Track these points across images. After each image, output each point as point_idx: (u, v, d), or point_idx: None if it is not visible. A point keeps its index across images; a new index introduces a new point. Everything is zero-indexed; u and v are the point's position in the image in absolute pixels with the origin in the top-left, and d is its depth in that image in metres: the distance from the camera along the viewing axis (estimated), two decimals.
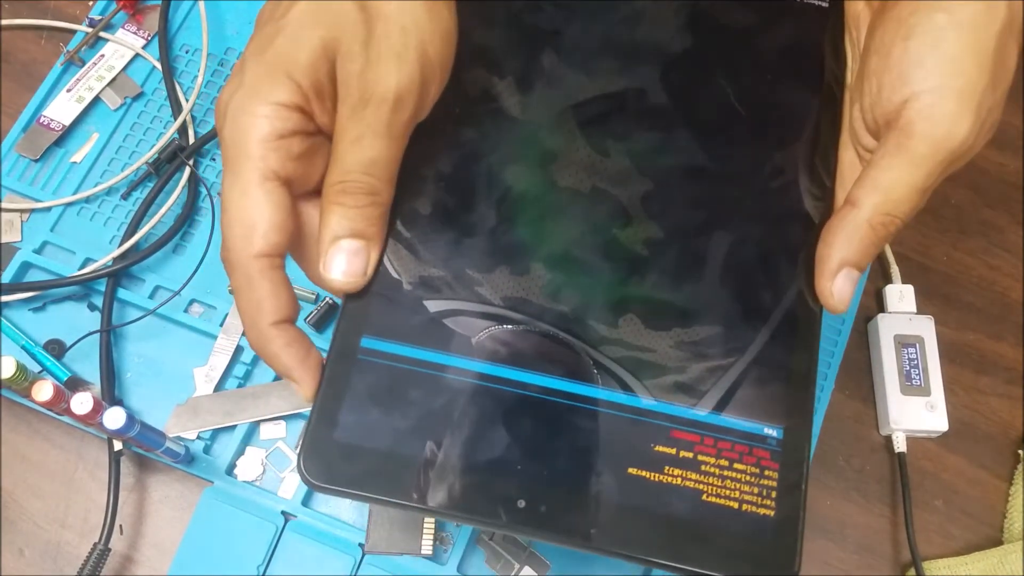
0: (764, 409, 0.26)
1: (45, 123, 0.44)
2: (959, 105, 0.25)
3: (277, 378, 0.40)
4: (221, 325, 0.40)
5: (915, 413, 0.39)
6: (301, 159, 0.26)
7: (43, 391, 0.32)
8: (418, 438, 0.25)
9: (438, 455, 0.25)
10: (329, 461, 0.25)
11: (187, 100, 0.44)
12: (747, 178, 0.29)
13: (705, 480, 0.25)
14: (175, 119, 0.44)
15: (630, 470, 0.25)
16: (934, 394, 0.40)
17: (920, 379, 0.40)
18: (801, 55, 0.30)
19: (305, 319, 0.41)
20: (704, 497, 0.25)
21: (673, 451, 0.25)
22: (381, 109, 0.25)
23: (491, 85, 0.29)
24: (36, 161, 0.44)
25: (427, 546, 0.37)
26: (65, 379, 0.39)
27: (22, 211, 0.43)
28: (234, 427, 0.39)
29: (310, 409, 0.26)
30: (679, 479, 0.25)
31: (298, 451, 0.26)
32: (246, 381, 0.40)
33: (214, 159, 0.44)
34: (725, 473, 0.25)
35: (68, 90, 0.45)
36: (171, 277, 0.42)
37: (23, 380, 0.34)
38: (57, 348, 0.40)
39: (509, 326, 0.27)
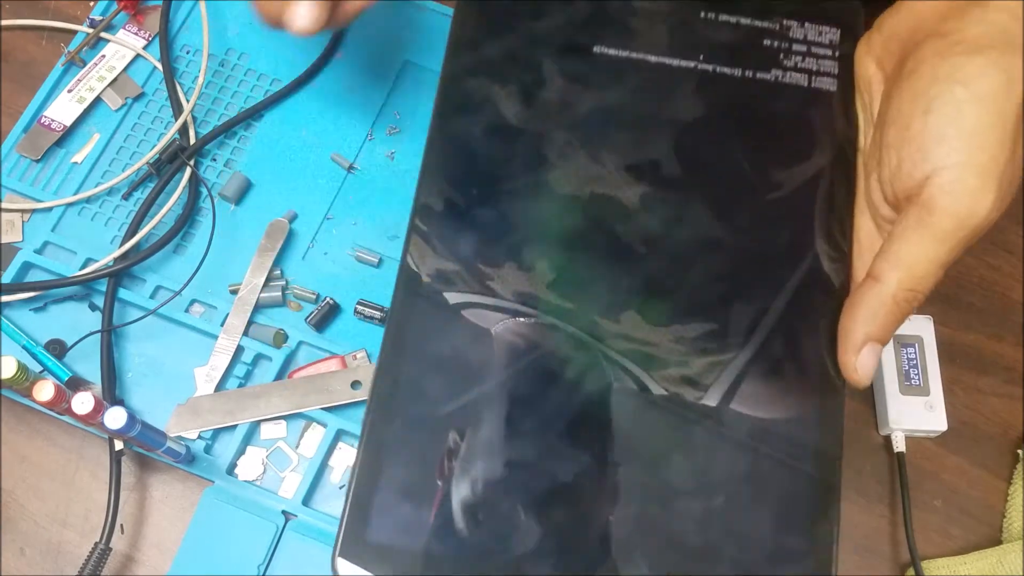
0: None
1: (46, 123, 0.44)
2: (982, 180, 0.25)
3: (278, 378, 0.40)
4: (222, 325, 0.40)
5: (914, 413, 0.39)
6: None
7: (44, 391, 0.32)
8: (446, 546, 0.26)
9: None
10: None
11: (188, 101, 0.44)
12: (762, 244, 0.29)
13: None
14: (176, 120, 0.44)
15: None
16: (933, 394, 0.40)
17: (919, 379, 0.40)
18: (813, 128, 0.31)
19: (306, 319, 0.41)
20: None
21: None
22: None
23: (503, 105, 0.31)
24: (37, 161, 0.44)
25: None
26: (66, 379, 0.39)
27: (23, 211, 0.43)
28: (235, 427, 0.39)
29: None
30: None
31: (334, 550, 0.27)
32: (247, 381, 0.40)
33: (214, 159, 0.44)
34: None
35: (69, 91, 0.45)
36: (172, 277, 0.42)
37: (24, 380, 0.34)
38: (58, 348, 0.40)
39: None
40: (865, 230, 0.29)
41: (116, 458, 0.37)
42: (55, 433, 0.40)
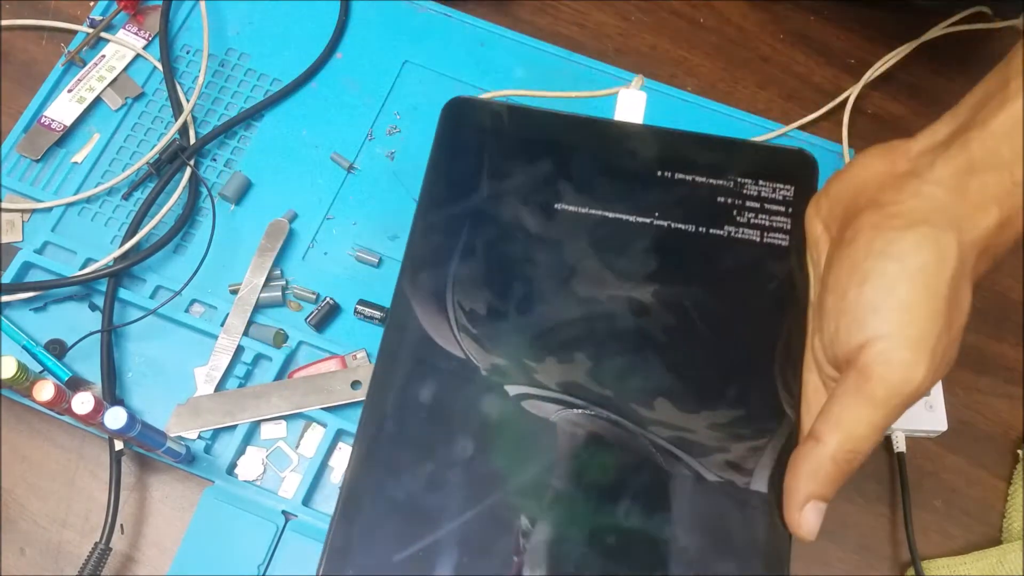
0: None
1: (46, 123, 0.44)
2: (914, 353, 0.26)
3: (278, 378, 0.40)
4: (222, 325, 0.40)
5: (914, 413, 0.39)
6: None
7: (44, 391, 0.32)
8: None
9: None
10: None
11: (188, 101, 0.44)
12: (714, 383, 0.31)
13: None
14: (176, 120, 0.44)
15: None
16: (933, 394, 0.40)
17: None
18: (765, 284, 0.32)
19: (306, 319, 0.41)
20: None
21: None
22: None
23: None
24: (37, 161, 0.44)
25: None
26: (66, 379, 0.39)
27: (23, 211, 0.43)
28: (235, 427, 0.39)
29: None
30: None
31: None
32: (247, 381, 0.40)
33: (214, 159, 0.44)
34: None
35: (69, 91, 0.45)
36: (172, 277, 0.42)
37: (24, 380, 0.34)
38: (58, 348, 0.40)
39: None
40: (812, 385, 0.30)
41: (116, 458, 0.37)
42: (55, 433, 0.40)
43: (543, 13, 0.48)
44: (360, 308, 0.41)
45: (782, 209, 0.33)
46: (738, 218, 0.33)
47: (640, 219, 0.33)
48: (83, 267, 0.41)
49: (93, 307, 0.41)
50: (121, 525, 0.38)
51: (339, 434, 0.39)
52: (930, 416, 0.39)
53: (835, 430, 0.27)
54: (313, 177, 0.44)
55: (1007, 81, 0.27)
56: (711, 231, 0.33)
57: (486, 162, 0.35)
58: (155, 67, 0.46)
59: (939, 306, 0.26)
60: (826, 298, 0.29)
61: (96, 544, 0.36)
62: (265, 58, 0.46)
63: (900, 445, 0.39)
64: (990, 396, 0.42)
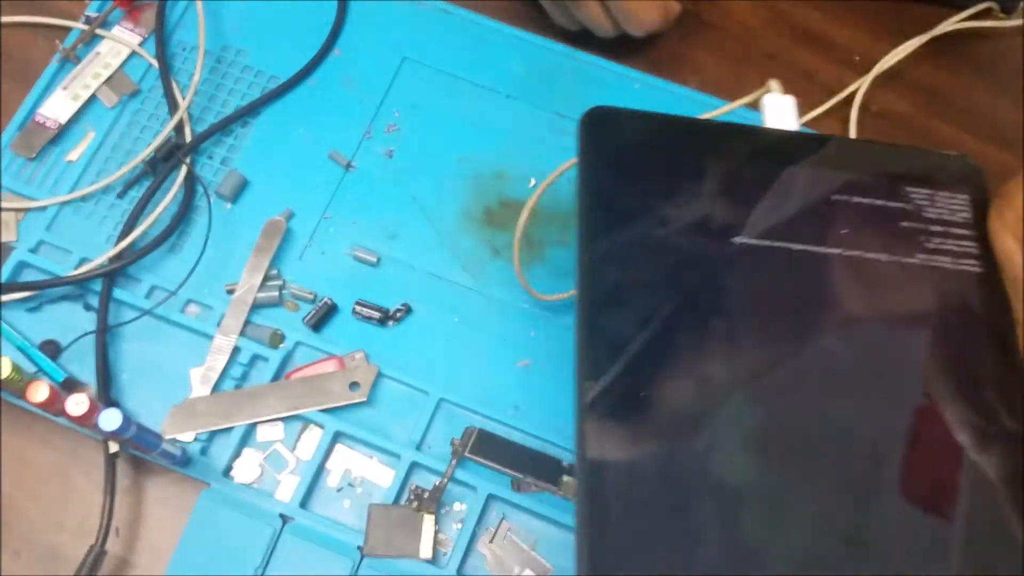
0: None
1: (41, 121, 0.44)
2: None
3: (275, 379, 0.39)
4: (218, 325, 0.40)
5: None
6: None
7: (39, 392, 0.32)
8: None
9: None
10: None
11: (184, 98, 0.44)
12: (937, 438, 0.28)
13: None
14: (172, 117, 0.43)
15: None
16: None
17: None
18: (970, 315, 0.30)
19: (303, 319, 0.40)
20: None
21: None
22: None
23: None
24: (31, 160, 0.43)
25: (426, 549, 0.36)
26: (61, 380, 0.39)
27: (17, 210, 0.42)
28: (231, 429, 0.38)
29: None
30: None
31: None
32: (243, 382, 0.40)
33: (211, 157, 0.44)
34: None
35: (64, 88, 0.44)
36: (167, 277, 0.41)
37: (19, 381, 0.33)
38: (53, 348, 0.40)
39: None
40: None
41: (111, 460, 0.37)
42: (49, 435, 0.39)
43: (543, 9, 0.48)
44: (358, 308, 0.40)
45: (965, 232, 0.31)
46: (927, 244, 0.30)
47: (827, 250, 0.30)
48: (78, 267, 0.41)
49: (88, 307, 0.41)
50: (116, 528, 0.38)
51: (337, 436, 0.39)
52: None
53: None
54: (310, 175, 0.44)
55: None
56: (904, 260, 0.30)
57: (647, 183, 0.31)
58: (151, 64, 0.45)
59: None
60: None
61: (91, 547, 0.36)
62: (262, 55, 0.46)
63: None
64: None
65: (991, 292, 0.30)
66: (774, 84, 0.34)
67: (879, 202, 0.31)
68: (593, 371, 0.28)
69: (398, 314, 0.41)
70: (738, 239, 0.30)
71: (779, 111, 0.34)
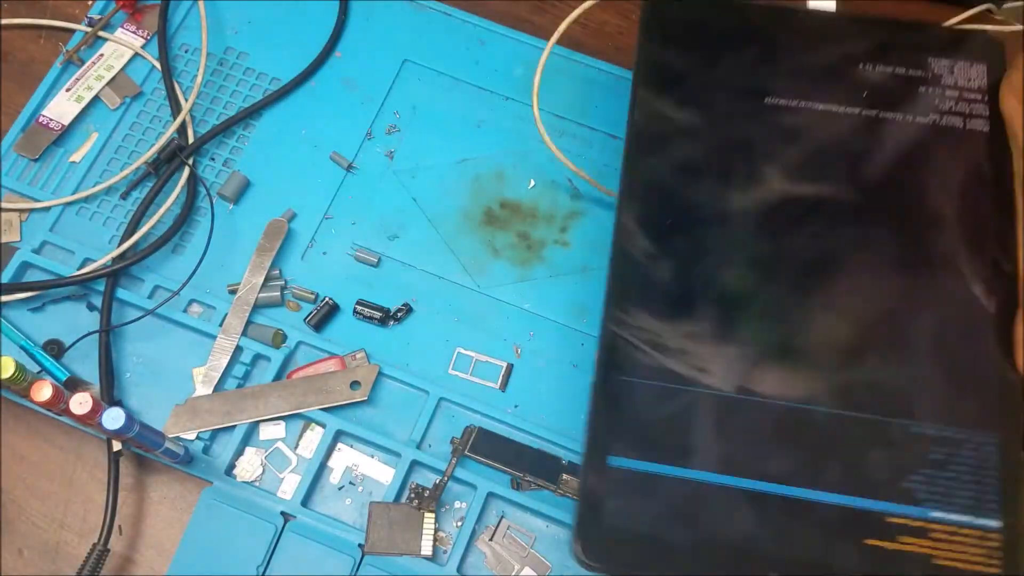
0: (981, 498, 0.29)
1: (44, 123, 0.44)
2: None
3: (276, 378, 0.40)
4: (220, 325, 0.40)
5: None
6: None
7: (42, 391, 0.32)
8: (675, 530, 0.29)
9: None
10: (603, 546, 0.29)
11: (186, 100, 0.44)
12: (937, 268, 0.32)
13: (935, 547, 0.28)
14: (174, 119, 0.44)
15: (867, 541, 0.29)
16: None
17: None
18: (974, 169, 0.34)
19: (305, 319, 0.41)
20: (934, 561, 0.28)
21: (904, 522, 0.29)
22: None
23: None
24: (35, 161, 0.44)
25: (427, 546, 0.37)
26: (64, 379, 0.39)
27: (21, 211, 0.43)
28: (233, 427, 0.39)
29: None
30: (912, 547, 0.29)
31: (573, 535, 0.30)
32: (245, 381, 0.40)
33: (213, 159, 0.44)
34: (954, 540, 0.29)
35: (67, 89, 0.45)
36: (170, 277, 0.42)
37: (22, 380, 0.33)
38: (56, 348, 0.40)
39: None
40: None
41: (114, 459, 0.37)
42: (53, 433, 0.39)
43: (543, 12, 0.48)
44: (359, 308, 0.41)
45: (979, 97, 0.35)
46: (941, 106, 0.35)
47: (850, 110, 0.35)
48: (81, 267, 0.41)
49: (91, 307, 0.41)
50: (119, 526, 0.38)
51: (338, 435, 0.39)
52: None
53: None
54: (312, 176, 0.44)
55: None
56: (918, 119, 0.34)
57: (698, 56, 0.36)
58: (153, 66, 0.45)
59: None
60: None
61: (94, 545, 0.36)
62: (264, 57, 0.46)
63: None
64: None
65: (995, 148, 0.34)
66: None
67: (901, 70, 0.35)
68: (631, 193, 0.34)
69: (399, 314, 0.41)
70: (769, 99, 0.35)
71: None
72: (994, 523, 0.29)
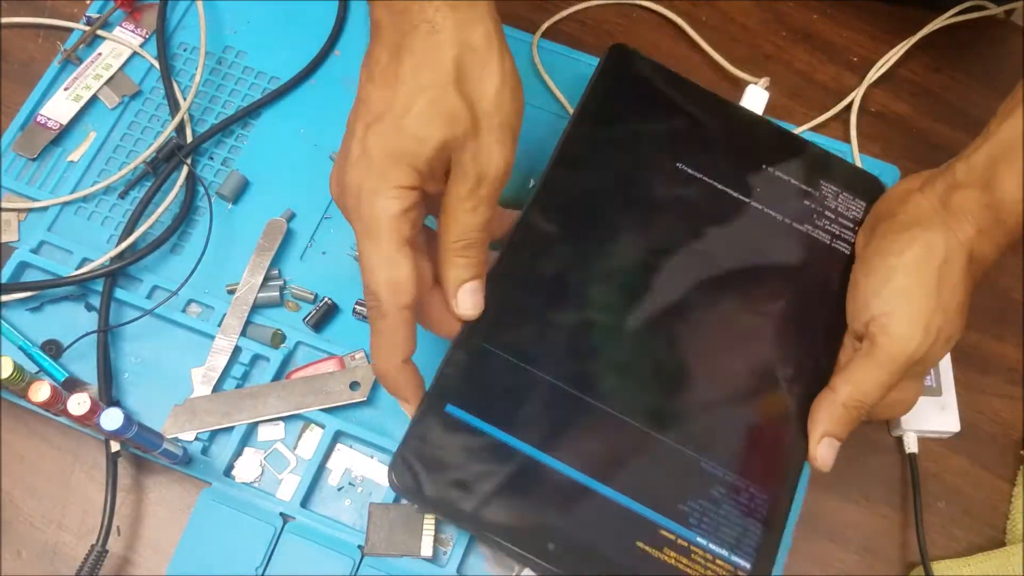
0: (738, 542, 0.34)
1: (42, 122, 0.44)
2: (908, 327, 0.33)
3: (275, 379, 0.39)
4: (219, 325, 0.40)
5: (927, 414, 0.39)
6: (416, 225, 0.32)
7: (40, 392, 0.32)
8: (480, 481, 0.33)
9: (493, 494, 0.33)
10: (413, 474, 0.32)
11: (185, 99, 0.44)
12: (764, 344, 0.37)
13: (691, 567, 0.33)
14: (173, 118, 0.44)
15: (638, 543, 0.33)
16: (945, 395, 0.40)
17: (932, 379, 0.40)
18: (822, 278, 0.39)
19: (304, 319, 0.41)
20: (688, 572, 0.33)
21: (673, 538, 0.33)
22: (493, 185, 0.32)
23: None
24: (33, 160, 0.43)
25: (427, 547, 0.37)
26: (62, 379, 0.39)
27: (19, 211, 0.43)
28: (232, 428, 0.39)
29: (406, 428, 0.33)
30: (673, 561, 0.33)
31: (390, 464, 0.33)
32: (244, 381, 0.40)
33: (212, 158, 0.44)
34: (709, 567, 0.33)
35: (65, 89, 0.45)
36: (169, 277, 0.41)
37: (20, 380, 0.33)
38: (54, 348, 0.40)
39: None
40: (847, 353, 0.37)
41: (112, 459, 0.37)
42: (51, 434, 0.39)
43: (543, 11, 0.48)
44: (359, 308, 0.41)
45: (851, 225, 0.40)
46: (817, 221, 0.40)
47: (740, 196, 0.40)
48: (79, 267, 0.41)
49: (89, 307, 0.41)
50: (117, 527, 0.38)
51: (337, 435, 0.39)
52: (943, 417, 0.39)
53: (846, 384, 0.34)
54: (311, 176, 0.44)
55: (998, 117, 0.34)
56: (794, 225, 0.40)
57: (634, 104, 0.41)
58: (152, 65, 0.45)
59: (929, 289, 0.33)
60: (851, 288, 0.37)
61: (92, 546, 0.36)
62: (263, 56, 0.46)
63: (912, 446, 0.39)
64: (992, 397, 0.41)
65: (845, 269, 0.38)
66: (763, 81, 0.45)
67: (795, 181, 0.41)
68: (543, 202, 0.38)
69: None
70: (680, 164, 0.40)
71: (755, 99, 0.45)
72: (745, 564, 0.33)
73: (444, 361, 0.34)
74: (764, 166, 0.41)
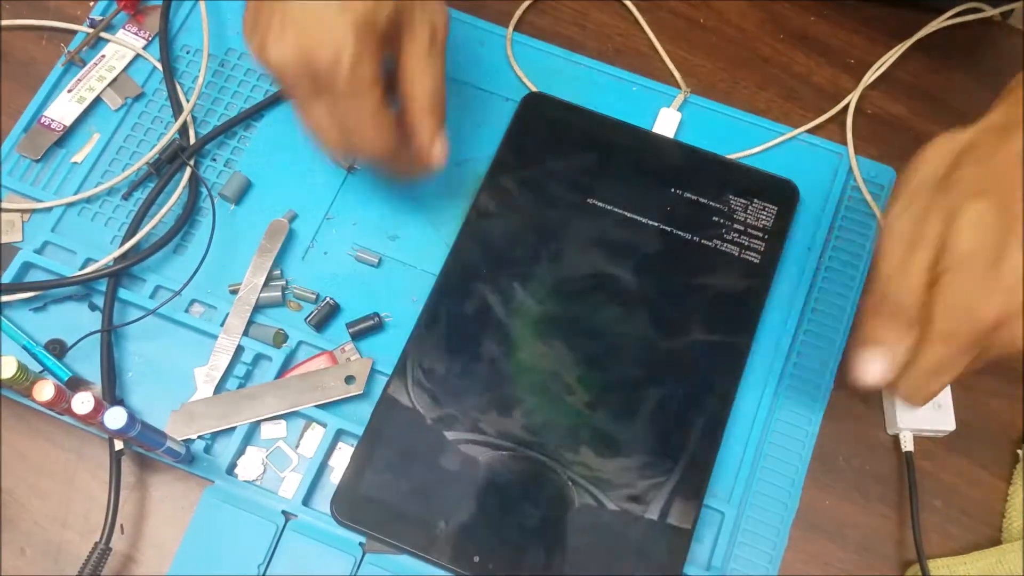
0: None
1: (46, 123, 0.44)
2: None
3: (277, 378, 0.40)
4: (222, 325, 0.40)
5: (923, 412, 0.39)
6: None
7: (44, 391, 0.32)
8: (422, 508, 0.37)
9: (439, 524, 0.37)
10: (354, 507, 0.37)
11: (188, 101, 0.44)
12: (681, 383, 0.40)
13: None
14: (176, 120, 0.44)
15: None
16: (942, 393, 0.40)
17: None
18: (730, 289, 0.41)
19: (305, 319, 0.41)
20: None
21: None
22: (443, 37, 0.36)
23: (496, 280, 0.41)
24: (37, 161, 0.44)
25: None
26: (66, 379, 0.39)
27: (23, 211, 0.43)
28: (234, 428, 0.39)
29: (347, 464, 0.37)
30: None
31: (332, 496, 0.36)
32: (247, 381, 0.40)
33: (214, 159, 0.44)
34: None
35: (69, 90, 0.45)
36: (172, 277, 0.42)
37: (24, 380, 0.34)
38: (58, 348, 0.40)
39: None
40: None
41: (116, 458, 0.37)
42: (55, 433, 0.40)
43: (543, 14, 0.48)
44: (353, 332, 0.41)
45: (760, 235, 0.42)
46: (726, 235, 0.42)
47: (651, 222, 0.42)
48: (83, 267, 0.41)
49: (93, 307, 0.41)
50: (121, 525, 0.38)
51: (339, 434, 0.39)
52: (938, 416, 0.39)
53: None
54: (313, 177, 0.44)
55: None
56: (703, 242, 0.42)
57: (547, 147, 0.44)
58: (155, 67, 0.46)
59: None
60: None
61: (96, 544, 0.36)
62: None
63: (908, 445, 0.39)
64: (989, 396, 0.42)
65: (757, 275, 0.41)
66: (678, 97, 0.46)
67: (704, 199, 0.43)
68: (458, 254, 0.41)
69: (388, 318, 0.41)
70: (590, 200, 0.42)
71: (667, 121, 0.45)
72: None
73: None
74: (673, 189, 0.43)
